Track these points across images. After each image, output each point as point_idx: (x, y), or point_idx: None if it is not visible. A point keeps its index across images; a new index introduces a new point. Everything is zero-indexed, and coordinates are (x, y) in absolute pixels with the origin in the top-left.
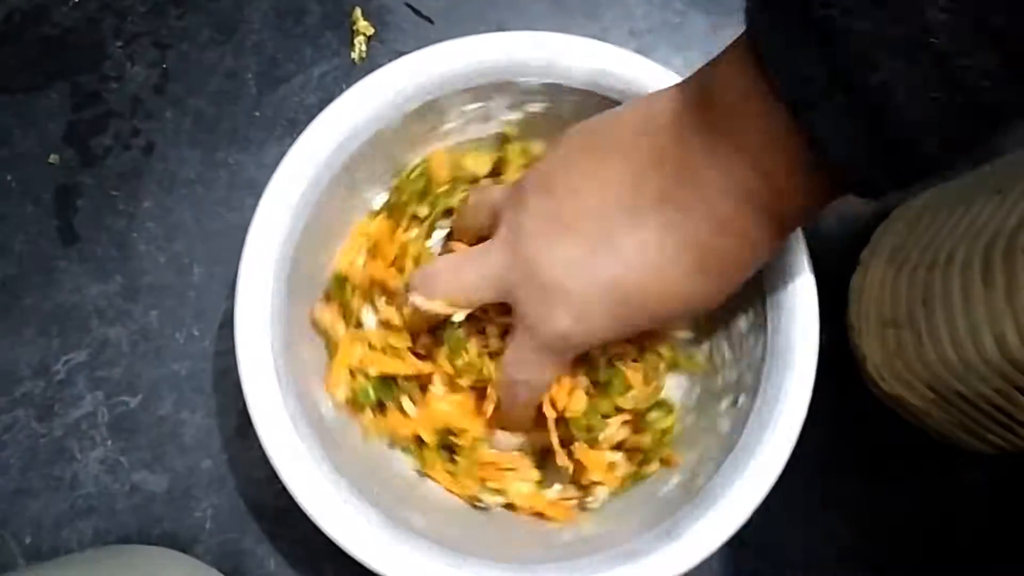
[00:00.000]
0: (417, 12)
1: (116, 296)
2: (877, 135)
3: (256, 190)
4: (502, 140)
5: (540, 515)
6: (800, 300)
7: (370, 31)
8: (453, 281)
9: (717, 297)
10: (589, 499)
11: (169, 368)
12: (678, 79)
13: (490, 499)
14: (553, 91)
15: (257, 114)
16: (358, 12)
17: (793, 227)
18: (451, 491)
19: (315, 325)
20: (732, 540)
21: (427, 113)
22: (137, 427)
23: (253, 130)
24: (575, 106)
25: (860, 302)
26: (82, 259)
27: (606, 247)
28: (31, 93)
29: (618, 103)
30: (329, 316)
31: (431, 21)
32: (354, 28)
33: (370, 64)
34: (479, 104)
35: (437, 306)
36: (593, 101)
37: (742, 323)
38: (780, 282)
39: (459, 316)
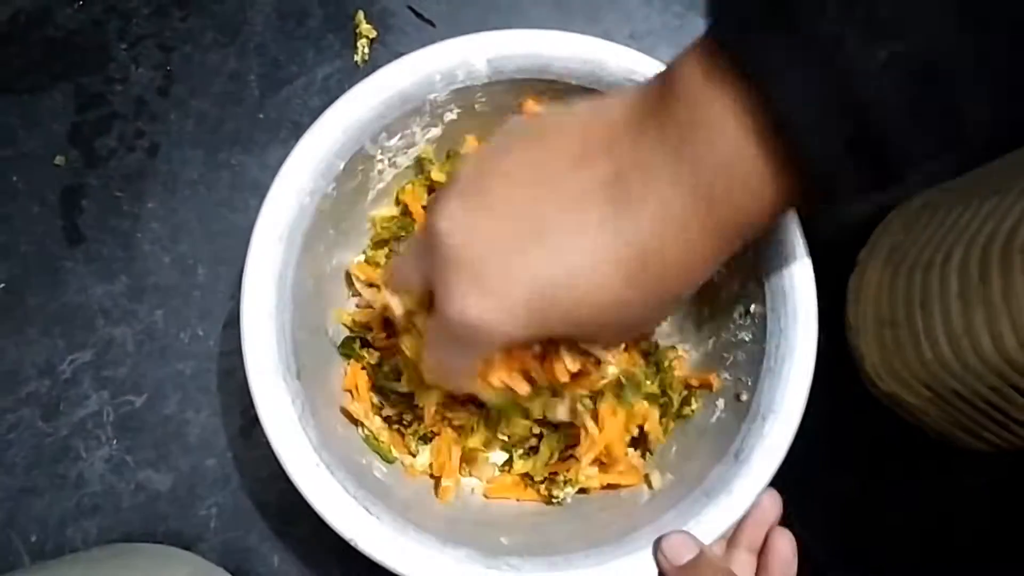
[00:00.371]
0: (419, 15)
1: (121, 296)
2: (846, 117)
3: (260, 191)
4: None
5: (611, 486)
6: (797, 301)
7: (372, 34)
8: (395, 273)
9: (651, 315)
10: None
11: (174, 368)
12: (576, 36)
13: (561, 492)
14: (462, 95)
15: (260, 116)
16: (361, 15)
17: (743, 235)
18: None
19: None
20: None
21: (423, 112)
22: (142, 426)
23: (256, 132)
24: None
25: (858, 302)
26: (87, 259)
27: (534, 235)
28: (36, 94)
29: (526, 80)
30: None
31: (433, 24)
32: (357, 31)
33: (372, 66)
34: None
35: (383, 298)
36: (498, 89)
37: (740, 319)
38: (778, 278)
39: (397, 307)
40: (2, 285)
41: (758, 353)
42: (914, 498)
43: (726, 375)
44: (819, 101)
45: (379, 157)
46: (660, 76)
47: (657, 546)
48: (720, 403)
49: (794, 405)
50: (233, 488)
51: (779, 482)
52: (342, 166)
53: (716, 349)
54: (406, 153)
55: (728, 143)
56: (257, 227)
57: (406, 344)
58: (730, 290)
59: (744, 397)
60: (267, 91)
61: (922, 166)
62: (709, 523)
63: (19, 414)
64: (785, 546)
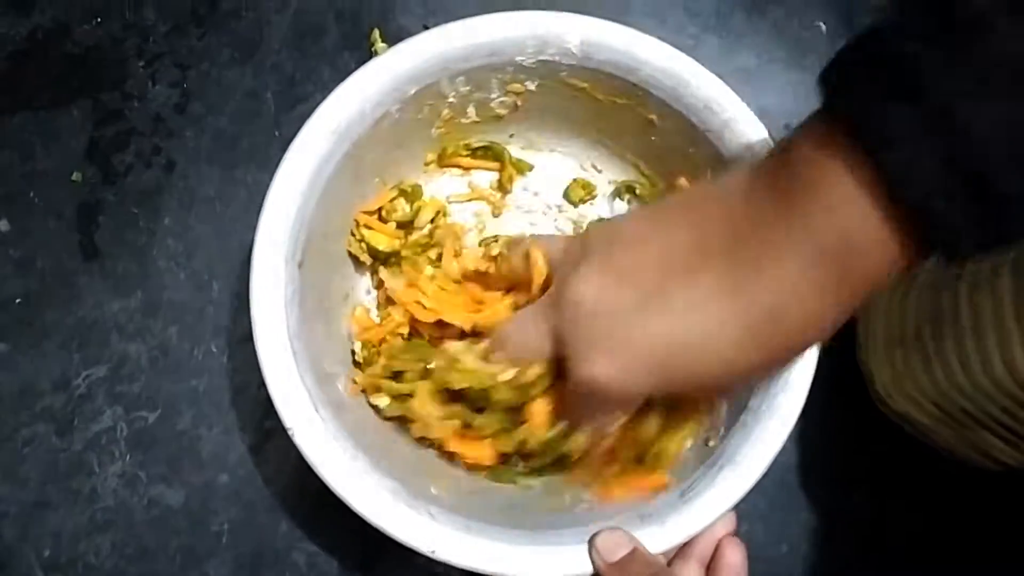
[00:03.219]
0: None
1: (136, 312)
2: (963, 185)
3: None
4: (498, 153)
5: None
6: None
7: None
8: (519, 343)
9: (764, 373)
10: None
11: (187, 384)
12: (672, 49)
13: (526, 480)
14: (547, 68)
15: (276, 133)
16: (377, 33)
17: (862, 294)
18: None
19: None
20: None
21: (427, 97)
22: (155, 442)
23: (272, 149)
24: (565, 84)
25: (868, 320)
26: (103, 275)
27: (658, 301)
28: (54, 110)
29: (612, 75)
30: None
31: None
32: (372, 49)
33: None
34: (474, 87)
35: (502, 369)
36: (585, 75)
37: None
38: None
39: (507, 375)
40: (19, 300)
41: (740, 407)
42: (923, 516)
43: (704, 419)
44: (934, 164)
45: (451, 99)
46: (777, 146)
47: (591, 543)
48: (688, 443)
49: (756, 462)
50: (245, 504)
51: (784, 498)
52: (412, 91)
53: None
54: (474, 107)
55: (844, 207)
56: (264, 209)
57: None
58: None
59: (711, 443)
60: (283, 108)
61: None
62: None
63: (34, 428)
64: (735, 555)
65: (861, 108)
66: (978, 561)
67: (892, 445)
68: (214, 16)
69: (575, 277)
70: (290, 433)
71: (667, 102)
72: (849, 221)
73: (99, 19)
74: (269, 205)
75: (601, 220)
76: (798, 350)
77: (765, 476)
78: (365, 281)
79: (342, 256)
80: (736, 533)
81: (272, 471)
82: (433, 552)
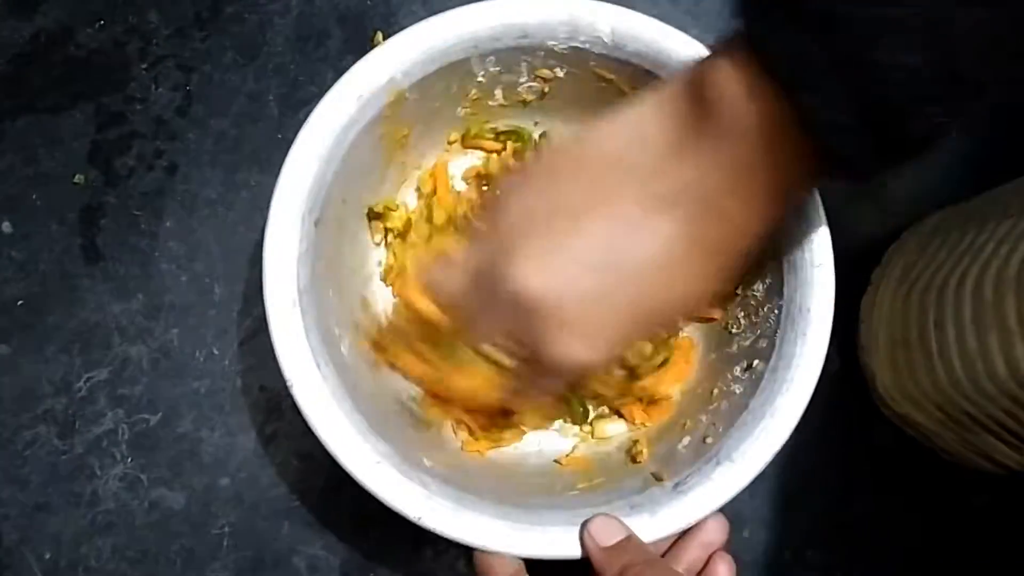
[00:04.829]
0: None
1: (138, 314)
2: (865, 108)
3: None
4: (523, 138)
5: (556, 462)
6: (816, 268)
7: None
8: (474, 326)
9: (724, 286)
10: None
11: (189, 386)
12: (699, 45)
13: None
14: (577, 55)
15: (279, 136)
16: (379, 36)
17: (783, 204)
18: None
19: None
20: (744, 560)
21: (456, 73)
22: (157, 445)
23: (275, 152)
24: (593, 73)
25: (870, 322)
26: (105, 278)
27: (611, 266)
28: (56, 113)
29: (639, 67)
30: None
31: None
32: None
33: None
34: (503, 68)
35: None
36: (613, 65)
37: (758, 290)
38: (797, 250)
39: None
40: (20, 302)
41: (741, 407)
42: (924, 519)
43: (703, 417)
44: (839, 104)
45: (480, 78)
46: (685, 79)
47: (584, 527)
48: (686, 440)
49: (753, 460)
50: (246, 507)
51: (786, 501)
52: (442, 65)
53: (704, 393)
54: (502, 90)
55: (758, 130)
56: (283, 171)
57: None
58: (742, 344)
59: (709, 440)
60: (286, 111)
61: (934, 135)
62: None
63: (35, 431)
64: (725, 572)
65: (776, 40)
66: (980, 565)
67: (894, 447)
68: (217, 19)
69: (526, 266)
70: (289, 386)
71: None
72: (760, 142)
73: (102, 22)
74: (291, 160)
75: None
76: (742, 251)
77: (766, 479)
78: (379, 253)
79: (357, 222)
80: (730, 541)
81: (274, 474)
82: (419, 519)
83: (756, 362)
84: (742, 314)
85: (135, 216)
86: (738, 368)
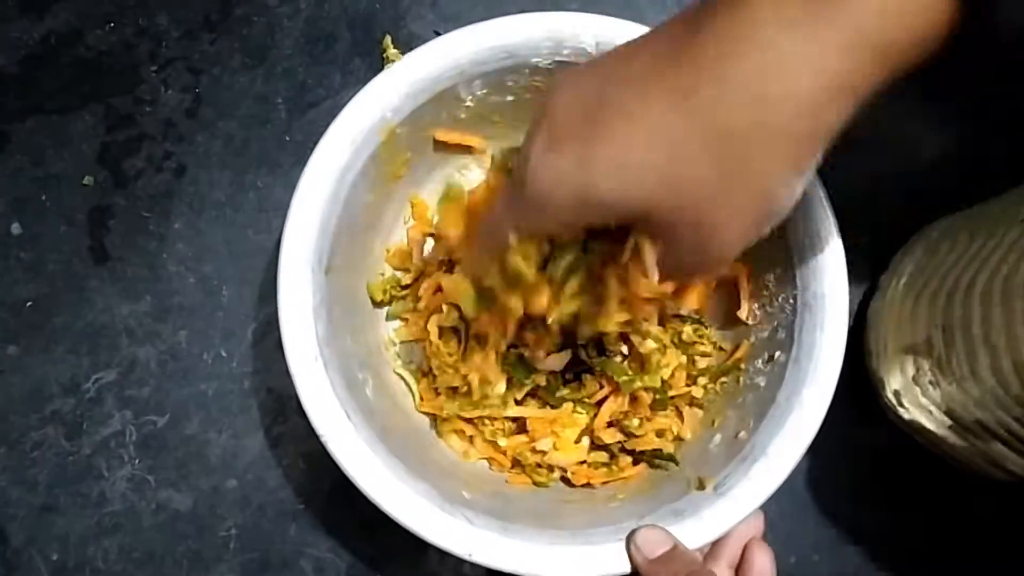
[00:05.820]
0: None
1: (146, 316)
2: None
3: (285, 213)
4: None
5: (589, 485)
6: (827, 254)
7: (399, 58)
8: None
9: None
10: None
11: (197, 388)
12: None
13: (545, 478)
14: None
15: (287, 138)
16: (388, 39)
17: (888, 76)
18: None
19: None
20: None
21: (444, 101)
22: (164, 446)
23: (283, 154)
24: None
25: (878, 327)
26: (113, 279)
27: (624, 103)
28: (66, 115)
29: None
30: None
31: None
32: (384, 55)
33: None
34: (490, 89)
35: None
36: None
37: (770, 280)
38: (806, 237)
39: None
40: (29, 303)
41: (768, 400)
42: (932, 526)
43: (731, 412)
44: None
45: (467, 103)
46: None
47: (630, 539)
48: (717, 438)
49: (788, 455)
50: (253, 510)
51: (792, 505)
52: (429, 97)
53: (729, 387)
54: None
55: None
56: (329, 133)
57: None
58: (760, 336)
59: (742, 435)
60: (294, 114)
61: None
62: None
63: (43, 432)
64: (764, 561)
65: None
66: (986, 571)
67: (902, 455)
68: (226, 22)
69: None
70: (324, 442)
71: None
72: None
73: (112, 24)
74: (293, 216)
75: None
76: (822, 144)
77: None
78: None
79: (369, 261)
80: (766, 532)
81: (280, 476)
82: (471, 555)
83: (778, 353)
84: (757, 305)
85: (144, 218)
86: (759, 361)
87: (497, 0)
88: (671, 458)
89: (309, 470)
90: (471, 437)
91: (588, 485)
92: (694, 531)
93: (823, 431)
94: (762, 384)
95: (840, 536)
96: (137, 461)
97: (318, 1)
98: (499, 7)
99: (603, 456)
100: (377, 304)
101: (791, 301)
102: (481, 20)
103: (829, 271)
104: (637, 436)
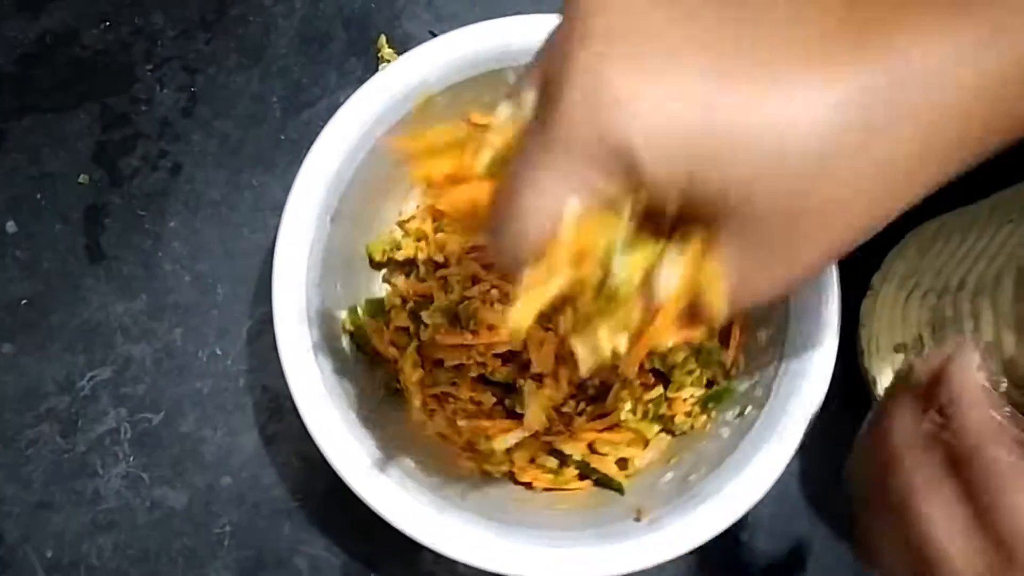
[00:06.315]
0: None
1: (141, 314)
2: None
3: (280, 211)
4: None
5: (530, 486)
6: (821, 325)
7: (395, 58)
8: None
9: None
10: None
11: (192, 386)
12: None
13: (493, 467)
14: None
15: (282, 137)
16: (383, 39)
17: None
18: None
19: None
20: (743, 563)
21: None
22: (159, 444)
23: (278, 153)
24: None
25: (870, 326)
26: (109, 277)
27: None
28: (61, 113)
29: None
30: None
31: None
32: (379, 55)
33: None
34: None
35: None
36: None
37: (762, 337)
38: (806, 297)
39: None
40: (24, 301)
41: (728, 449)
42: None
43: (687, 455)
44: None
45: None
46: None
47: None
48: (669, 476)
49: (736, 503)
50: (248, 507)
51: (786, 507)
52: (466, 77)
53: (695, 432)
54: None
55: None
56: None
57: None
58: (738, 388)
59: (692, 478)
60: (289, 113)
61: None
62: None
63: (38, 430)
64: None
65: None
66: None
67: None
68: (222, 21)
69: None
70: (342, 476)
71: None
72: None
73: (108, 23)
74: (316, 150)
75: None
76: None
77: None
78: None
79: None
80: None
81: (276, 474)
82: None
83: (749, 408)
84: (743, 359)
85: (139, 216)
86: (730, 413)
87: (494, 0)
88: (618, 488)
89: (304, 468)
90: (432, 411)
91: (529, 486)
92: (611, 556)
93: (815, 429)
94: (725, 435)
95: (834, 537)
96: (132, 459)
97: (313, 1)
98: (495, 8)
99: (553, 462)
100: (375, 265)
101: (776, 361)
102: (477, 20)
103: (819, 347)
104: (602, 454)
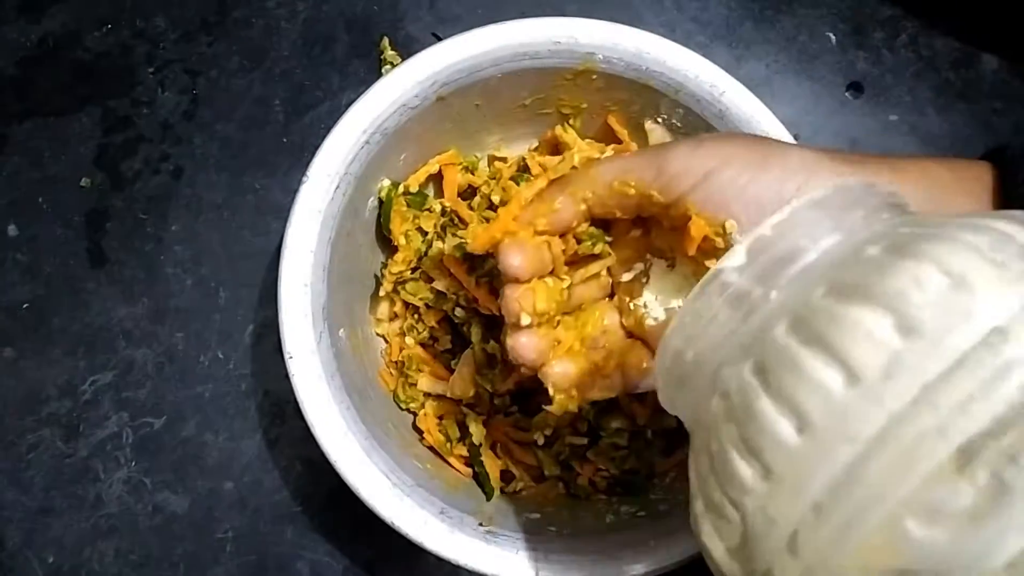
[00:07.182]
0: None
1: (143, 318)
2: None
3: (282, 215)
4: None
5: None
6: None
7: (397, 60)
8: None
9: None
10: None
11: (193, 390)
12: (710, 64)
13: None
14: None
15: (284, 140)
16: (386, 41)
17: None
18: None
19: None
20: None
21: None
22: (161, 448)
23: (280, 156)
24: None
25: None
26: (110, 281)
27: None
28: (63, 117)
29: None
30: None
31: None
32: (382, 57)
33: None
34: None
35: None
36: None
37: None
38: None
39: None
40: (26, 305)
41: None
42: None
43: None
44: None
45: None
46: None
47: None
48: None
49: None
50: (250, 512)
51: None
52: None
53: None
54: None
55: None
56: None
57: None
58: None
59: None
60: (292, 116)
61: None
62: None
63: (39, 434)
64: None
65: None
66: None
67: None
68: (224, 24)
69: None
70: (357, 494)
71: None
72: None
73: (109, 26)
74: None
75: None
76: None
77: None
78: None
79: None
80: None
81: (278, 478)
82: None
83: (641, 512)
84: (668, 478)
85: (141, 220)
86: (625, 507)
87: (496, 3)
88: (490, 491)
89: (306, 473)
90: (394, 315)
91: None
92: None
93: None
94: (609, 520)
95: None
96: (134, 463)
97: (316, 3)
98: (498, 10)
99: (455, 432)
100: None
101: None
102: (480, 23)
103: None
104: (495, 456)
